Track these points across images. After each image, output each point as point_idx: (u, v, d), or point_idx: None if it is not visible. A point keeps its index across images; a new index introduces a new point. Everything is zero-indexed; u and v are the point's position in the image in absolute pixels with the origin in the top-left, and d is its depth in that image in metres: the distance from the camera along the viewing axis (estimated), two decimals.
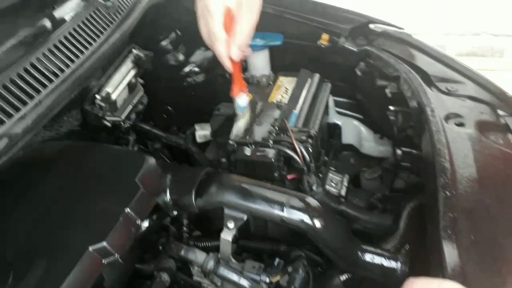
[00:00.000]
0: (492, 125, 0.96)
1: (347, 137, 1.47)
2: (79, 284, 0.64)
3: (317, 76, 1.24)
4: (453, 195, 0.78)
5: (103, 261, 0.69)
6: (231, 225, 0.81)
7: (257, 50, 1.33)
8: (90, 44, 0.89)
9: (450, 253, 0.69)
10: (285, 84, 1.21)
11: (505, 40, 2.99)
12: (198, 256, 0.84)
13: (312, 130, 1.01)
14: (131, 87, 1.15)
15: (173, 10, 1.31)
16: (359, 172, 1.36)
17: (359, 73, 1.29)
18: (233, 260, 0.84)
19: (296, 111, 1.10)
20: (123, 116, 1.15)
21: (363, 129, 1.44)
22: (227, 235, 0.81)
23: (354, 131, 1.45)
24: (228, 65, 0.87)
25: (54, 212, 0.73)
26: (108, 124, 1.12)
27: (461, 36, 2.94)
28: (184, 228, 1.05)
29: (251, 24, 0.82)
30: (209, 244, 1.03)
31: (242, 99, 0.98)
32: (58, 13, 0.93)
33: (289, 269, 0.86)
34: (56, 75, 0.78)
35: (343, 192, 1.15)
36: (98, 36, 0.91)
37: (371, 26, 1.32)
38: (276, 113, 1.03)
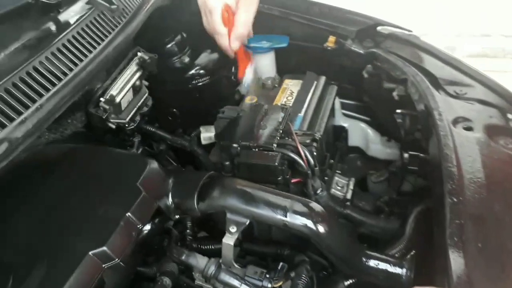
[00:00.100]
0: (502, 129, 0.94)
1: (354, 140, 1.45)
2: None
3: (323, 79, 1.23)
4: (460, 201, 0.76)
5: (103, 266, 0.68)
6: (233, 229, 0.80)
7: (263, 52, 1.32)
8: (94, 47, 0.89)
9: (456, 261, 0.68)
10: (291, 87, 1.20)
11: None
12: (199, 261, 0.83)
13: (317, 134, 1.00)
14: (135, 89, 1.15)
15: (179, 12, 1.31)
16: (366, 175, 1.35)
17: (366, 75, 1.27)
18: (236, 265, 0.83)
19: (301, 114, 1.09)
20: (127, 119, 1.15)
21: (370, 131, 1.43)
22: (229, 240, 0.80)
23: (361, 134, 1.44)
24: (230, 54, 1.02)
25: (55, 216, 0.73)
26: (113, 126, 1.12)
27: (472, 37, 2.90)
28: (188, 231, 1.05)
29: (249, 18, 0.94)
30: (213, 246, 1.03)
31: (246, 76, 1.08)
32: (63, 16, 0.93)
33: (292, 274, 0.85)
34: (59, 79, 0.78)
35: (348, 196, 1.14)
36: (102, 40, 0.91)
37: (379, 28, 1.30)
38: (281, 116, 1.02)
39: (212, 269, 0.81)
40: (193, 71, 1.33)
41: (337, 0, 1.39)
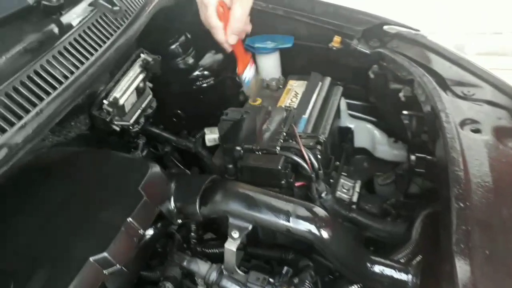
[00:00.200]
0: (510, 131, 0.92)
1: (360, 141, 1.44)
2: None
3: (328, 80, 1.22)
4: (467, 206, 0.75)
5: (104, 272, 0.67)
6: (235, 234, 0.79)
7: (267, 53, 1.32)
8: (96, 50, 0.88)
9: (463, 268, 0.66)
10: (295, 88, 1.18)
11: None
12: (200, 267, 0.82)
13: (321, 136, 0.99)
14: (139, 91, 1.14)
15: (183, 13, 1.30)
16: (372, 177, 1.33)
17: (372, 76, 1.25)
18: (238, 271, 0.82)
19: (305, 116, 1.08)
20: (131, 121, 1.14)
21: (376, 132, 1.41)
22: (231, 245, 0.79)
23: (367, 135, 1.42)
24: (227, 48, 1.01)
25: (56, 221, 0.73)
26: (117, 128, 1.12)
27: (482, 35, 2.85)
28: (192, 234, 1.04)
29: (244, 11, 0.94)
30: (217, 250, 1.02)
31: (247, 73, 1.06)
32: (64, 19, 0.92)
33: (296, 280, 0.84)
34: (60, 82, 0.78)
35: (354, 199, 1.13)
36: (104, 42, 0.90)
37: (385, 27, 1.28)
38: (285, 118, 1.01)
39: (213, 276, 0.80)
40: (197, 72, 1.32)
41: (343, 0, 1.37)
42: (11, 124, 0.68)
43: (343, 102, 1.37)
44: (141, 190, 0.76)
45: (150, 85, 1.23)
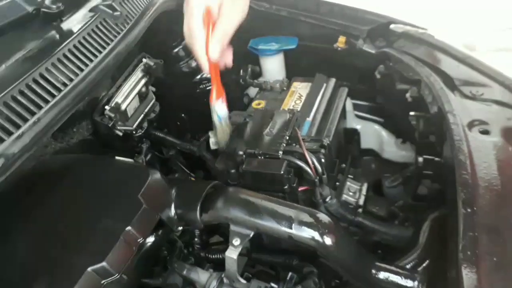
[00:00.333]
0: None
1: (368, 142, 1.42)
2: None
3: (333, 81, 1.20)
4: (474, 211, 0.72)
5: (102, 282, 0.67)
6: (236, 242, 0.78)
7: (271, 55, 1.30)
8: (95, 56, 0.87)
9: (469, 276, 0.64)
10: (299, 90, 1.17)
11: None
12: (200, 276, 0.81)
13: (325, 140, 0.97)
14: (142, 96, 1.14)
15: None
16: (380, 178, 1.31)
17: (378, 76, 1.23)
18: (240, 279, 0.81)
19: (309, 118, 1.06)
20: (134, 126, 1.14)
21: (384, 133, 1.39)
22: (232, 253, 0.78)
23: (374, 136, 1.40)
24: (205, 65, 0.86)
25: (55, 230, 0.73)
26: (120, 133, 1.11)
27: (493, 31, 2.79)
28: (196, 239, 1.03)
29: (231, 26, 0.82)
30: (221, 256, 1.01)
31: (220, 107, 0.96)
32: (65, 25, 0.92)
33: None
34: (59, 90, 0.77)
35: (361, 202, 1.11)
36: (104, 48, 0.90)
37: (392, 26, 1.25)
38: (288, 122, 0.99)
39: (213, 285, 0.79)
40: (200, 75, 1.31)
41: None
42: (9, 133, 0.68)
43: (349, 103, 1.35)
44: (141, 197, 0.76)
45: (153, 89, 1.23)
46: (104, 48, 0.90)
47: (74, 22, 0.94)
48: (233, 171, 0.96)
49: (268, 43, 1.29)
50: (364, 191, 1.14)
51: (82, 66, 0.84)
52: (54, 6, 0.89)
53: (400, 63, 1.14)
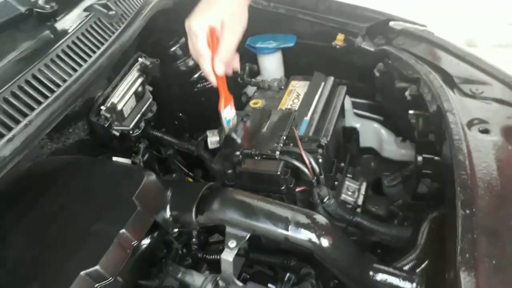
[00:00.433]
0: None
1: (367, 140, 1.41)
2: None
3: (331, 80, 1.18)
4: (473, 213, 0.71)
5: (96, 286, 0.66)
6: (232, 244, 0.77)
7: (269, 53, 1.29)
8: (90, 56, 0.86)
9: (467, 280, 0.63)
10: (297, 89, 1.15)
11: None
12: (195, 279, 0.80)
13: (323, 140, 0.96)
14: (138, 95, 1.13)
15: (183, 14, 1.27)
16: (380, 177, 1.30)
17: (377, 74, 1.22)
18: (236, 281, 0.80)
19: (307, 118, 1.05)
20: (131, 125, 1.13)
21: (383, 132, 1.38)
22: (228, 256, 0.77)
23: (374, 134, 1.39)
24: (213, 80, 0.93)
25: (49, 233, 0.72)
26: (116, 133, 1.11)
27: (495, 26, 2.77)
28: (194, 240, 1.03)
29: (233, 42, 0.88)
30: (219, 257, 1.00)
31: (227, 112, 0.99)
32: (59, 25, 0.91)
33: None
34: (52, 91, 0.76)
35: (359, 201, 1.10)
36: (98, 48, 0.88)
37: (391, 23, 1.24)
38: (286, 121, 0.98)
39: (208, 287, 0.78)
40: (198, 74, 1.30)
41: None
42: (1, 136, 0.67)
43: (348, 102, 1.34)
44: (135, 199, 0.75)
45: (150, 88, 1.22)
46: (98, 48, 0.89)
47: (68, 22, 0.93)
48: (230, 171, 0.95)
49: (266, 41, 1.28)
50: (363, 191, 1.13)
51: (76, 67, 0.83)
52: (47, 6, 0.88)
53: (399, 61, 1.13)
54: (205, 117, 1.35)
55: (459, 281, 0.63)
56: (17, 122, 0.69)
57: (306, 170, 0.89)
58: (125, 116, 1.11)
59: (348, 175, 1.18)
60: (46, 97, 0.75)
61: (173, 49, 1.27)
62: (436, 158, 1.04)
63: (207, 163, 1.31)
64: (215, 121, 1.21)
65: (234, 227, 0.78)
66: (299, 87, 1.16)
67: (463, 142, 0.84)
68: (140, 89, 1.12)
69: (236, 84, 1.33)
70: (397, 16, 1.25)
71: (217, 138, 1.26)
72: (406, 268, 0.82)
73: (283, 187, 0.90)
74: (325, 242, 0.76)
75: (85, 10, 0.97)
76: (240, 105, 1.29)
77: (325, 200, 0.95)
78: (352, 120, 1.35)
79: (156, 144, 1.38)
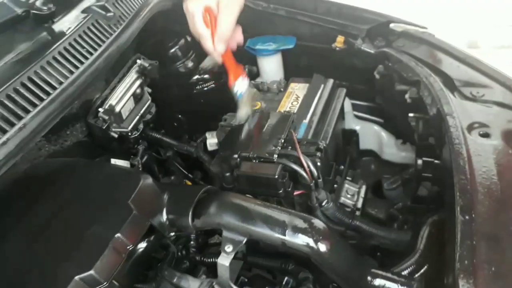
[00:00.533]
0: None
1: (367, 143, 1.40)
2: None
3: (330, 82, 1.18)
4: (472, 218, 0.70)
5: None
6: (229, 248, 0.76)
7: (269, 55, 1.28)
8: (87, 58, 0.86)
9: (466, 287, 0.62)
10: (296, 91, 1.15)
11: None
12: (191, 284, 0.79)
13: (321, 143, 0.95)
14: (137, 97, 1.12)
15: (182, 16, 1.27)
16: (380, 179, 1.29)
17: (377, 76, 1.21)
18: (233, 286, 0.79)
19: (306, 120, 1.04)
20: (130, 127, 1.13)
21: (384, 134, 1.37)
22: (224, 260, 0.76)
23: (374, 136, 1.39)
24: (217, 57, 0.96)
25: (43, 237, 0.71)
26: (115, 135, 1.10)
27: (497, 28, 2.75)
28: (192, 243, 1.02)
29: (231, 19, 0.90)
30: (217, 260, 0.99)
31: (239, 85, 1.00)
32: (56, 27, 0.91)
33: None
34: (48, 94, 0.76)
35: (359, 204, 1.09)
36: (95, 50, 0.88)
37: (392, 25, 1.23)
38: (284, 124, 0.97)
39: None
40: (197, 76, 1.30)
41: None
42: None
43: (348, 104, 1.33)
44: (131, 203, 0.74)
45: (149, 90, 1.21)
46: (95, 50, 0.89)
47: (66, 23, 0.92)
48: (227, 174, 0.94)
49: (265, 43, 1.28)
50: (362, 194, 1.12)
51: (73, 69, 0.83)
52: (45, 8, 0.87)
53: (399, 63, 1.12)
54: (204, 119, 1.34)
55: None
56: (12, 125, 0.68)
57: (304, 174, 0.89)
58: (123, 118, 1.10)
59: (348, 178, 1.18)
60: (41, 99, 0.75)
61: (172, 50, 1.26)
62: (436, 161, 1.04)
63: (206, 165, 1.31)
64: (215, 123, 1.21)
65: (230, 231, 0.78)
66: (298, 89, 1.15)
67: (463, 146, 0.83)
68: (138, 90, 1.11)
69: None
70: (397, 17, 1.24)
71: (215, 140, 1.26)
72: (405, 272, 0.81)
73: (281, 191, 0.89)
74: (322, 247, 0.75)
75: (83, 11, 0.97)
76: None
77: (323, 203, 0.94)
78: (352, 122, 1.34)
79: (156, 145, 1.37)
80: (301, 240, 0.75)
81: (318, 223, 0.77)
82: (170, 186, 0.85)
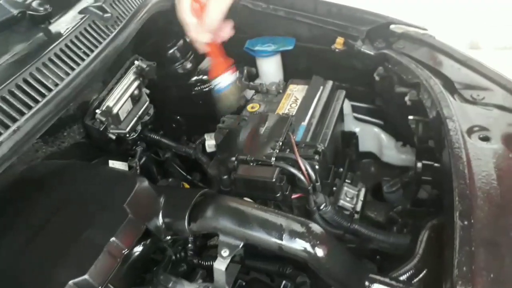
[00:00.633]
0: None
1: (367, 145, 1.39)
2: None
3: (329, 84, 1.17)
4: (471, 224, 0.69)
5: None
6: (225, 253, 0.76)
7: (268, 56, 1.27)
8: (83, 60, 0.85)
9: None
10: (295, 93, 1.14)
11: None
12: None
13: (320, 145, 0.94)
14: (134, 98, 1.12)
15: None
16: (380, 181, 1.28)
17: (377, 78, 1.20)
18: None
19: (304, 123, 1.03)
20: (127, 129, 1.12)
21: (383, 136, 1.36)
22: (220, 265, 0.75)
23: (374, 139, 1.38)
24: (200, 47, 0.96)
25: (37, 241, 0.70)
26: (113, 136, 1.10)
27: (498, 28, 2.73)
28: (190, 245, 1.01)
29: (219, 10, 0.89)
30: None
31: (220, 79, 1.01)
32: (53, 28, 0.90)
33: None
34: (43, 96, 0.75)
35: (358, 208, 1.08)
36: (91, 51, 0.87)
37: (392, 26, 1.22)
38: (283, 126, 0.97)
39: None
40: (196, 77, 1.29)
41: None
42: None
43: (348, 105, 1.32)
44: (127, 207, 0.74)
45: (147, 91, 1.21)
46: (92, 51, 0.88)
47: (63, 24, 0.91)
48: (225, 177, 0.93)
49: (264, 44, 1.27)
50: (361, 197, 1.11)
51: (68, 71, 0.82)
52: (41, 8, 0.87)
53: (399, 65, 1.11)
54: (203, 120, 1.34)
55: None
56: (6, 127, 0.68)
57: (302, 177, 0.88)
58: (121, 120, 1.10)
59: (347, 180, 1.17)
60: (37, 101, 0.74)
61: (171, 51, 1.25)
62: (436, 164, 1.03)
63: (205, 167, 1.30)
64: (213, 124, 1.20)
65: (227, 236, 0.77)
66: (297, 91, 1.15)
67: (463, 150, 0.82)
68: (136, 92, 1.11)
69: None
70: (397, 19, 1.23)
71: (214, 142, 1.25)
72: (403, 277, 0.80)
73: (278, 194, 0.89)
74: (319, 252, 0.74)
75: (80, 12, 0.96)
76: (238, 108, 1.28)
77: (321, 207, 0.93)
78: (351, 124, 1.33)
79: (154, 147, 1.37)
80: (298, 244, 0.74)
81: (316, 228, 0.77)
82: (166, 189, 0.85)
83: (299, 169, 0.88)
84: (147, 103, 1.19)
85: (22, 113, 0.71)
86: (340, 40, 1.20)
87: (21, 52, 0.81)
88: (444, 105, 0.93)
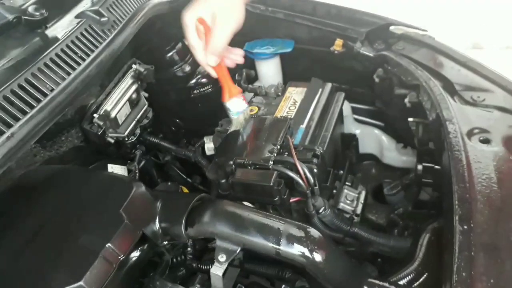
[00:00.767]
0: None
1: (368, 147, 1.38)
2: None
3: (328, 86, 1.16)
4: (471, 228, 0.68)
5: None
6: (222, 258, 0.75)
7: (267, 58, 1.27)
8: (79, 64, 0.85)
9: None
10: (294, 96, 1.13)
11: None
12: None
13: (318, 149, 0.93)
14: (133, 102, 1.11)
15: (180, 19, 1.26)
16: (381, 183, 1.27)
17: (377, 80, 1.19)
18: None
19: (303, 126, 1.02)
20: (126, 132, 1.12)
21: (384, 138, 1.36)
22: (217, 270, 0.75)
23: (374, 140, 1.37)
24: (209, 70, 0.95)
25: (33, 247, 0.70)
26: (111, 140, 1.09)
27: (501, 28, 2.72)
28: (189, 249, 1.01)
29: (224, 33, 0.88)
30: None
31: (233, 105, 0.98)
32: (49, 32, 0.90)
33: None
34: (39, 101, 0.75)
35: (358, 210, 1.07)
36: (88, 56, 0.87)
37: (391, 28, 1.21)
38: (281, 129, 0.96)
39: None
40: (195, 80, 1.28)
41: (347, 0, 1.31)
42: None
43: (348, 107, 1.31)
44: (123, 212, 0.73)
45: (146, 94, 1.20)
46: (88, 56, 0.87)
47: (59, 29, 0.91)
48: (223, 181, 0.93)
49: (263, 46, 1.26)
50: (362, 199, 1.10)
51: (64, 75, 0.81)
52: (37, 13, 0.86)
53: (398, 67, 1.10)
54: (202, 123, 1.33)
55: None
56: (0, 133, 0.67)
57: (300, 181, 0.87)
58: (119, 123, 1.09)
59: (347, 183, 1.16)
60: (32, 107, 0.73)
61: (169, 54, 1.25)
62: (436, 167, 1.02)
63: (204, 170, 1.29)
64: (213, 127, 1.20)
65: (224, 241, 0.76)
66: (296, 93, 1.14)
67: (463, 152, 0.81)
68: (134, 95, 1.10)
69: None
70: (397, 20, 1.23)
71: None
72: (404, 281, 0.80)
73: (276, 198, 0.88)
74: (317, 257, 0.73)
75: (77, 16, 0.96)
76: None
77: (320, 210, 0.92)
78: (351, 126, 1.32)
79: (154, 150, 1.36)
80: (296, 249, 0.73)
81: (314, 232, 0.76)
82: (163, 194, 0.84)
83: (297, 172, 0.87)
84: (146, 106, 1.19)
85: (17, 119, 0.71)
86: (339, 42, 1.19)
87: (17, 58, 0.80)
88: (444, 107, 0.92)
